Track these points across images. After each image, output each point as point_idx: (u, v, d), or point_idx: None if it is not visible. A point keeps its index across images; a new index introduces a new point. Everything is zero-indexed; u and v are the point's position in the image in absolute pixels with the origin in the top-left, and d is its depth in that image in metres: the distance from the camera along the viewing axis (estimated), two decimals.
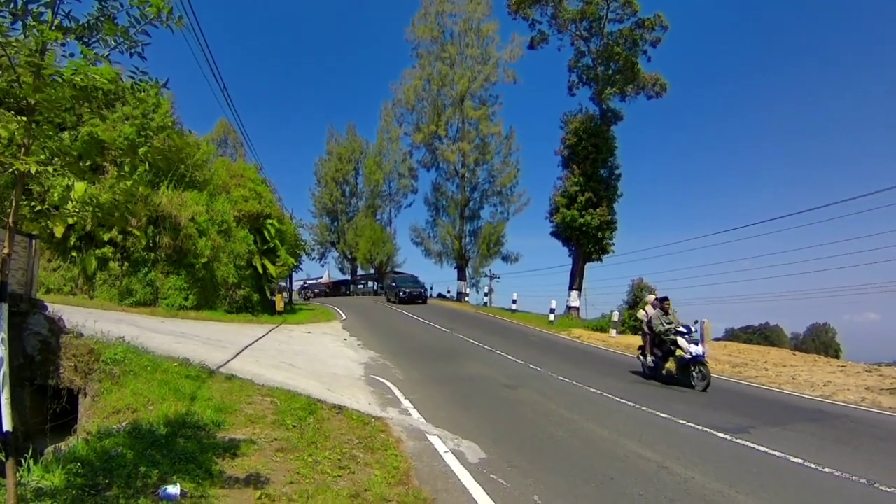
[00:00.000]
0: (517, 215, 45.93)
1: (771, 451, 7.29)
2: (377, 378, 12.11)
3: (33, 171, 3.38)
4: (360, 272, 66.54)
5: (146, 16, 3.54)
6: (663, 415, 9.34)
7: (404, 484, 5.62)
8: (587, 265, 32.14)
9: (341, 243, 65.53)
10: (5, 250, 3.56)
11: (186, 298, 19.19)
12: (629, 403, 10.22)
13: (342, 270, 69.59)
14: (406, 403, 9.79)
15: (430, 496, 5.31)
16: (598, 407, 10.08)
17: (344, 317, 28.10)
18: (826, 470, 6.57)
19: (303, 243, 41.37)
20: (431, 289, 58.23)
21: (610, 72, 30.97)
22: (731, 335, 75.78)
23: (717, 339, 27.53)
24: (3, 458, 3.61)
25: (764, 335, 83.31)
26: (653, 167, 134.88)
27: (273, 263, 27.38)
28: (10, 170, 3.38)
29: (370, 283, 65.01)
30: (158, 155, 4.54)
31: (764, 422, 9.08)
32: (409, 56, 52.80)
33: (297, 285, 54.80)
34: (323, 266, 72.99)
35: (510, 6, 32.09)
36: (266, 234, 27.01)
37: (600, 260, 31.96)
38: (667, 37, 30.31)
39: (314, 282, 64.25)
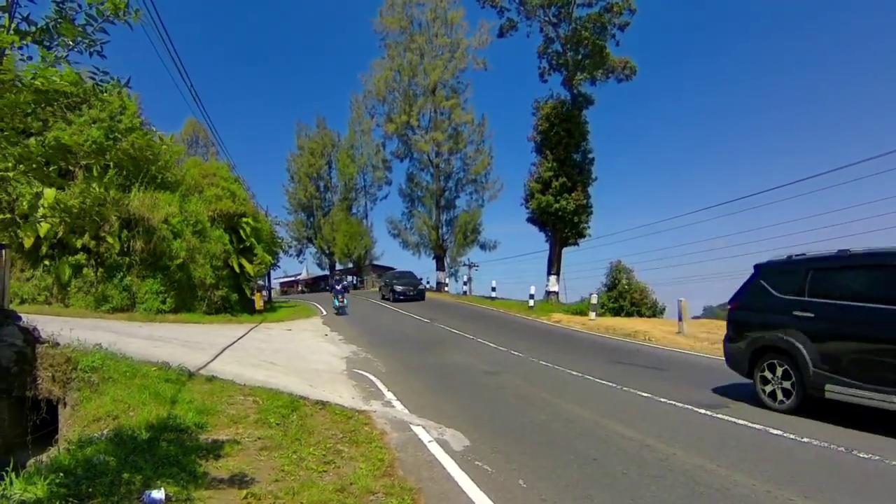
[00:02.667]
0: (492, 202, 46.26)
1: (750, 424, 7.42)
2: (359, 371, 12.11)
3: None
4: (338, 267, 66.36)
5: (103, 13, 3.49)
6: (644, 394, 9.46)
7: (389, 475, 5.64)
8: (564, 249, 32.36)
9: (318, 239, 65.20)
10: None
11: (164, 302, 18.98)
12: (610, 384, 10.34)
13: (320, 266, 69.43)
14: (389, 395, 9.81)
15: (416, 486, 5.34)
16: (579, 389, 10.19)
17: (324, 312, 28.01)
18: (805, 440, 6.70)
19: (279, 240, 41.19)
20: None
21: (579, 57, 31.04)
22: (710, 313, 76.83)
23: (695, 318, 27.90)
24: None
25: None
26: (625, 148, 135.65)
27: (250, 262, 27.22)
28: None
29: (350, 278, 64.90)
30: (126, 157, 4.48)
31: (743, 397, 9.19)
32: (377, 47, 52.51)
33: (275, 283, 54.53)
34: (301, 262, 72.80)
35: None
36: (242, 232, 26.83)
37: (577, 244, 32.22)
38: (635, 20, 30.50)
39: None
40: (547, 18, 31.24)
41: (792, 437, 6.84)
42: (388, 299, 34.36)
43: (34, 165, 3.65)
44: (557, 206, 29.81)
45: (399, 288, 33.62)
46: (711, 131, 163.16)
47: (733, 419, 7.73)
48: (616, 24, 30.38)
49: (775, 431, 7.06)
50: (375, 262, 65.12)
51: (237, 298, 25.91)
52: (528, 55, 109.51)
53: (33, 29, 3.43)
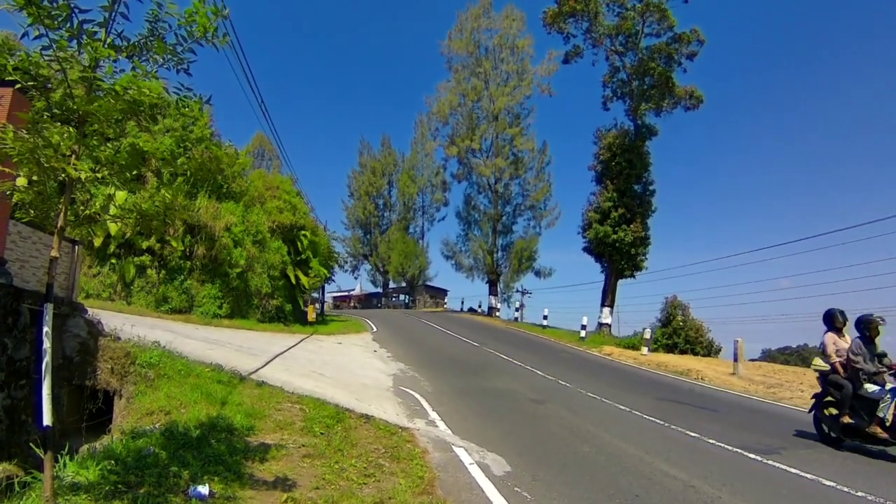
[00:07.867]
0: (549, 230, 45.70)
1: (802, 474, 7.13)
2: (405, 389, 12.17)
3: (83, 177, 3.56)
4: (391, 285, 66.97)
5: (192, 34, 3.73)
6: (692, 434, 9.20)
7: (428, 493, 5.65)
8: (620, 281, 31.84)
9: (374, 256, 65.96)
10: (53, 252, 3.74)
11: (220, 307, 19.56)
12: (658, 421, 10.10)
13: (374, 283, 70.15)
14: (433, 415, 9.83)
15: None
16: (625, 424, 9.98)
17: (375, 329, 28.24)
18: (859, 494, 6.39)
19: (336, 255, 41.82)
20: (462, 303, 58.20)
21: (645, 87, 30.78)
22: (768, 356, 74.22)
23: (752, 360, 26.98)
24: (42, 453, 3.77)
25: (802, 357, 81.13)
26: (688, 179, 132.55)
27: (306, 274, 27.76)
28: (61, 176, 3.57)
29: (401, 297, 65.66)
30: (197, 166, 4.74)
31: (796, 444, 8.89)
32: (443, 68, 53.13)
33: (328, 297, 55.34)
34: (356, 279, 73.82)
35: (545, 20, 32.12)
36: (299, 245, 27.41)
37: (633, 276, 31.64)
38: (703, 50, 30.06)
39: None
40: (614, 47, 31.15)
41: (846, 489, 6.54)
42: None
43: (116, 168, 3.90)
44: (615, 237, 29.43)
45: None
46: (784, 166, 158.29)
47: (785, 467, 7.43)
48: (683, 54, 30.03)
49: (828, 483, 6.76)
50: (428, 283, 65.46)
51: (291, 309, 26.42)
52: (588, 81, 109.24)
53: (127, 45, 3.69)
